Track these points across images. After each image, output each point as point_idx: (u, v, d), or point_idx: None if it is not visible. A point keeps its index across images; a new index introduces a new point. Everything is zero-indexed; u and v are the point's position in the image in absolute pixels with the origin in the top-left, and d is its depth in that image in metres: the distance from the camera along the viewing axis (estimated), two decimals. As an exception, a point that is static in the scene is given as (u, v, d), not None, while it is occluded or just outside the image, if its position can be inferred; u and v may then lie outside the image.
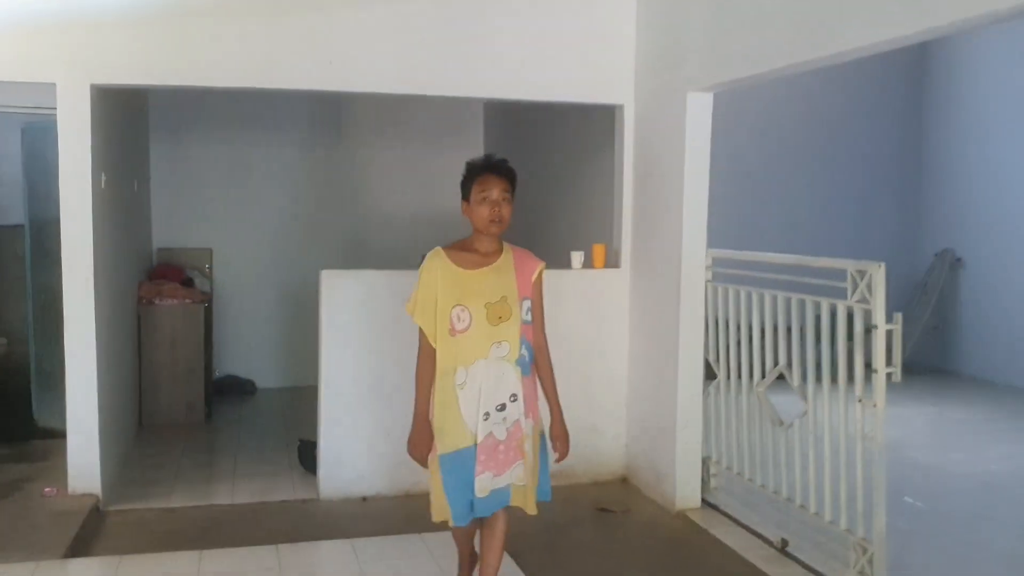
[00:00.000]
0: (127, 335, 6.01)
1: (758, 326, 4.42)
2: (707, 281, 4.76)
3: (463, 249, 3.10)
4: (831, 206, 8.87)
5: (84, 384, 4.63)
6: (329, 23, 4.80)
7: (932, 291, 8.75)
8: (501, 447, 3.07)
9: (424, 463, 3.15)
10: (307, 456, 5.33)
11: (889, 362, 3.59)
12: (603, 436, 5.29)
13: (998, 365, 8.29)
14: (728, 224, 4.79)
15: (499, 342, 3.04)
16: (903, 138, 9.19)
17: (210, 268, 7.79)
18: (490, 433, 3.05)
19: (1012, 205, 8.26)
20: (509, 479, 3.10)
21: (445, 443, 3.09)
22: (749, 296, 4.45)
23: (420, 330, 3.11)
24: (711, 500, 4.84)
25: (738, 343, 4.60)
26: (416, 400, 3.12)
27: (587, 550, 4.31)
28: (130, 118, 6.26)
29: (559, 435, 3.23)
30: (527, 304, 3.10)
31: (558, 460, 3.26)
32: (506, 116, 7.83)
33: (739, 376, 4.63)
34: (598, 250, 5.31)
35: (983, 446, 6.29)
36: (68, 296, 4.58)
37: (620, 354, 5.31)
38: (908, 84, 9.15)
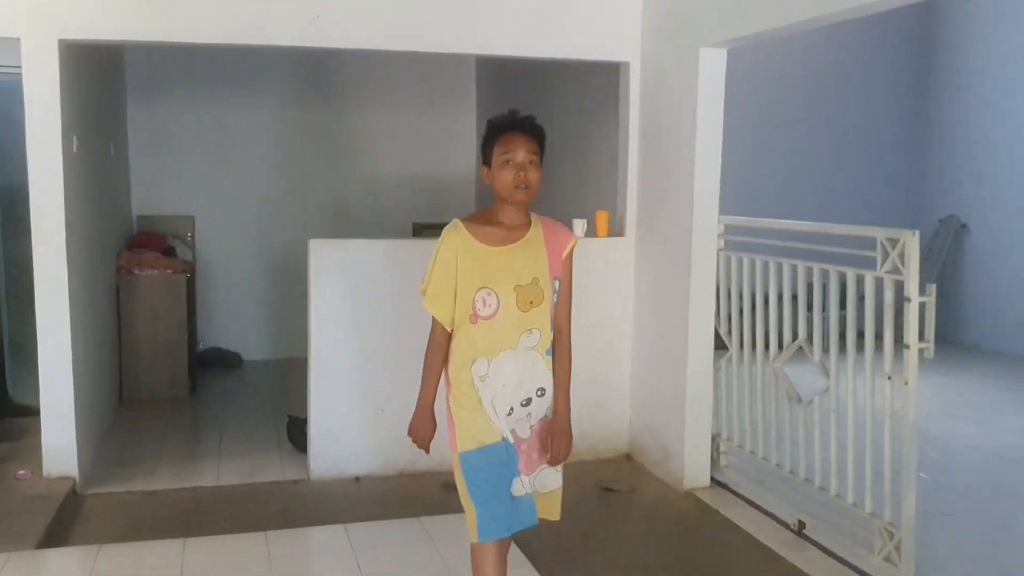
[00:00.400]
0: (105, 307, 5.72)
1: (775, 297, 4.17)
2: (719, 250, 4.51)
3: (486, 222, 2.65)
4: (834, 169, 8.61)
5: (58, 360, 4.36)
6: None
7: (936, 258, 8.53)
8: (523, 447, 2.69)
9: (426, 447, 2.80)
10: (296, 434, 5.08)
11: (922, 337, 3.35)
12: (607, 412, 5.06)
13: (1006, 335, 8.10)
14: (726, 188, 4.50)
15: (529, 330, 2.63)
16: (910, 100, 8.91)
17: (192, 236, 7.48)
18: (512, 431, 2.67)
19: (1021, 170, 8.01)
20: (532, 486, 2.71)
21: (465, 439, 2.66)
22: (766, 266, 4.20)
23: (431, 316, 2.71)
24: (721, 479, 4.63)
25: (752, 315, 4.36)
26: (422, 388, 2.73)
27: (591, 532, 4.08)
28: (104, 77, 5.91)
29: (559, 433, 2.69)
30: (556, 284, 2.69)
31: (551, 462, 2.72)
32: (501, 76, 7.51)
33: (753, 349, 4.39)
34: (601, 217, 5.04)
35: (995, 418, 6.11)
36: (39, 267, 4.29)
37: (625, 327, 5.06)
38: (915, 44, 8.86)
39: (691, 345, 4.52)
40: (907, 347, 3.37)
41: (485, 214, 2.70)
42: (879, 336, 3.54)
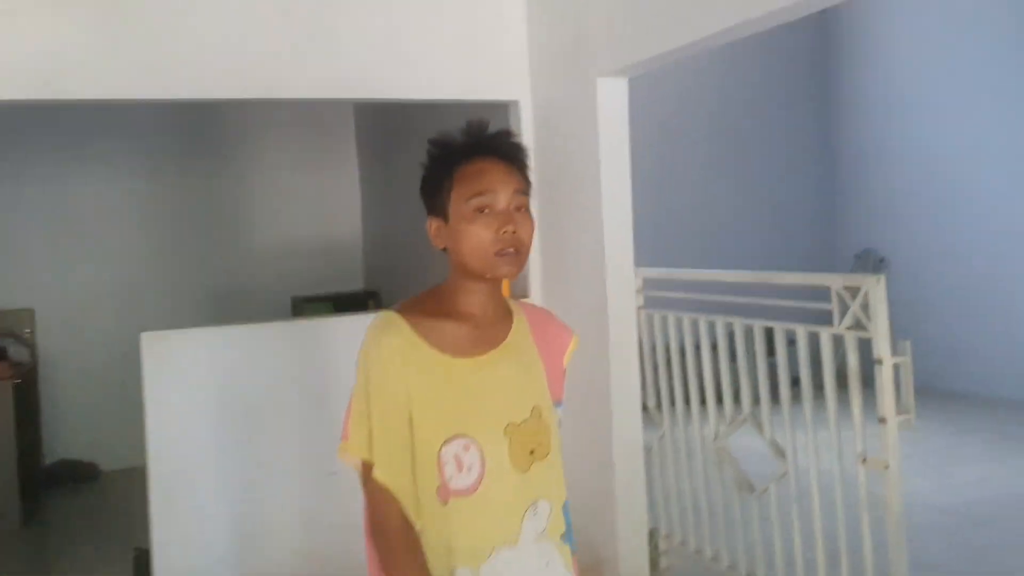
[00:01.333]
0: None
1: (709, 362, 3.49)
2: (639, 307, 3.82)
3: (440, 314, 1.63)
4: (741, 206, 8.09)
5: None
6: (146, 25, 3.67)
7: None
8: None
9: None
10: (144, 572, 4.11)
11: (898, 405, 2.71)
12: (523, 508, 4.27)
13: (936, 371, 7.65)
14: (635, 235, 3.85)
15: (535, 503, 1.64)
16: (814, 126, 8.51)
17: (31, 332, 6.44)
18: None
19: (939, 194, 7.63)
20: None
21: None
22: (695, 325, 3.53)
23: (374, 489, 1.58)
24: (663, 582, 3.89)
25: (684, 383, 3.67)
26: None
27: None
28: None
29: None
30: (560, 413, 1.75)
31: None
32: (381, 125, 6.79)
33: (690, 425, 3.69)
34: (499, 279, 4.31)
35: (948, 469, 5.55)
36: None
37: (536, 406, 4.31)
38: (815, 64, 8.48)
39: (616, 423, 3.78)
40: (883, 421, 2.71)
41: (434, 299, 1.66)
42: (842, 402, 2.88)
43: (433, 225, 1.65)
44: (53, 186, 6.51)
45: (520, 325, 1.70)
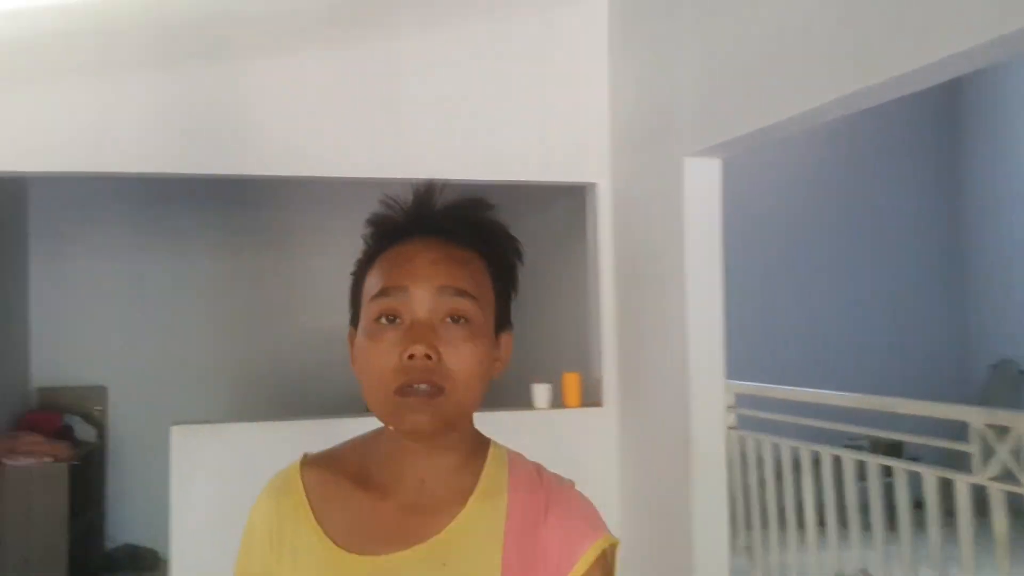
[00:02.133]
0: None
1: (812, 501, 2.88)
2: (729, 427, 3.25)
3: (356, 476, 1.06)
4: (848, 308, 7.29)
5: None
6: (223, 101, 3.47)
7: (993, 412, 7.18)
8: None
9: None
10: None
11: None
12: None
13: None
14: (729, 343, 3.29)
15: None
16: (938, 213, 7.66)
17: (102, 410, 6.27)
18: None
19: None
20: None
21: None
22: (796, 454, 2.92)
23: None
24: None
25: (781, 526, 3.05)
26: None
27: None
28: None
29: None
30: None
31: None
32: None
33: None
34: (570, 382, 3.80)
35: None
36: None
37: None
38: (938, 139, 7.69)
39: (697, 563, 3.19)
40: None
41: (363, 449, 1.08)
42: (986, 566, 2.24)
43: (349, 333, 1.07)
44: (126, 260, 6.41)
45: (484, 509, 1.01)
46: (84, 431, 5.94)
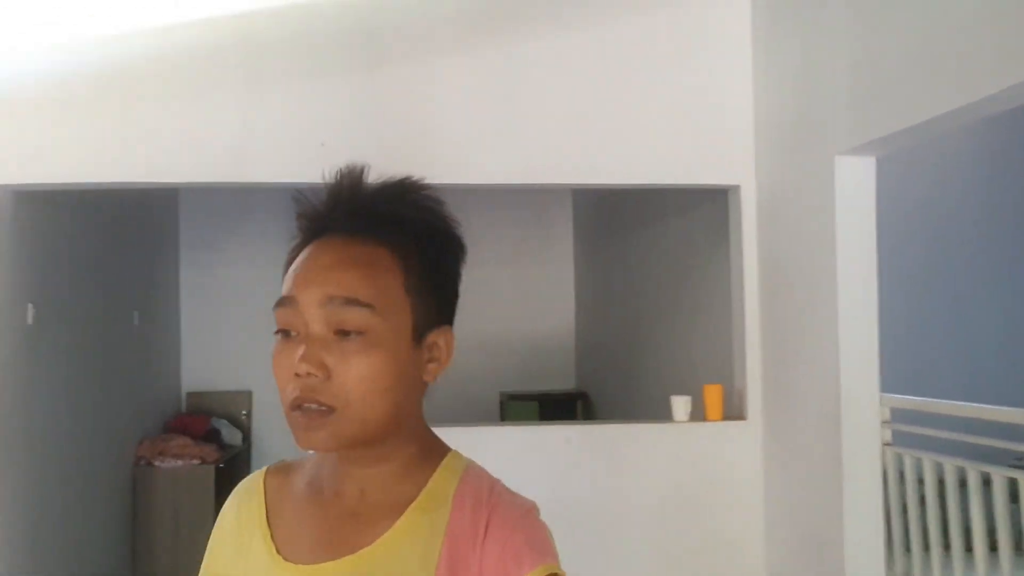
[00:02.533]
0: (107, 513, 4.72)
1: (982, 525, 2.64)
2: (884, 444, 3.03)
3: (311, 482, 1.03)
4: (1012, 312, 6.75)
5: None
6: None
7: None
8: None
9: None
10: None
11: None
12: None
13: None
14: (884, 353, 3.06)
15: None
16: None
17: (247, 415, 6.50)
18: None
19: None
20: None
21: None
22: (961, 473, 2.69)
23: None
24: None
25: (944, 545, 2.82)
26: None
27: None
28: (120, 233, 5.09)
29: None
30: None
31: None
32: (596, 214, 6.38)
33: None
34: (712, 393, 3.65)
35: None
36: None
37: (752, 552, 3.55)
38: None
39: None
40: None
41: (323, 458, 1.04)
42: None
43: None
44: (270, 268, 6.63)
45: (420, 522, 0.94)
46: (231, 434, 6.16)
